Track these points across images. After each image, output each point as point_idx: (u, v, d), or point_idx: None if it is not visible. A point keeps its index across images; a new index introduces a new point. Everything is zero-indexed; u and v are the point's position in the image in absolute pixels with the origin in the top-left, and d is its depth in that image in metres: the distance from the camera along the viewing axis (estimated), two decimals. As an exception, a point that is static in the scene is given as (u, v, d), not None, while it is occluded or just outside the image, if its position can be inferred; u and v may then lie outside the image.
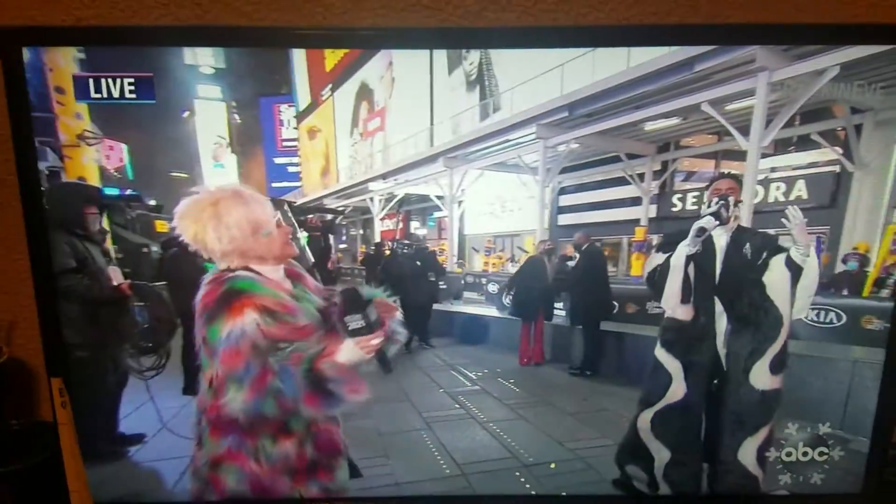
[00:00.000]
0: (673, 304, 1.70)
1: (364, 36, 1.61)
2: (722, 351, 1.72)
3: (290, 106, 2.89)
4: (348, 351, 1.05)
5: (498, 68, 2.51)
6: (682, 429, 1.78)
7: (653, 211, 2.54)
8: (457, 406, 2.15)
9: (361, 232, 3.14)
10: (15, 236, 1.62)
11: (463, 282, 2.89)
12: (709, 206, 1.69)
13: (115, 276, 1.72)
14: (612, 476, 1.81)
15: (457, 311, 2.82)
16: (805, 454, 1.72)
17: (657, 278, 1.72)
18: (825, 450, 1.70)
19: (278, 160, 2.97)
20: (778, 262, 1.65)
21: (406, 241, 2.76)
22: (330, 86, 2.81)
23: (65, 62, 1.73)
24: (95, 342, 1.63)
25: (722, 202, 1.67)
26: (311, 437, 1.14)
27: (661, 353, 1.75)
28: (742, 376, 1.70)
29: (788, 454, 1.72)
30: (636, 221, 2.54)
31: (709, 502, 1.82)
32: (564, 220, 2.74)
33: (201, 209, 1.05)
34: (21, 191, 1.39)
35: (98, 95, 1.54)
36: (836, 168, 2.36)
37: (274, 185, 2.97)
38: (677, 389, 1.73)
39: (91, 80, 1.52)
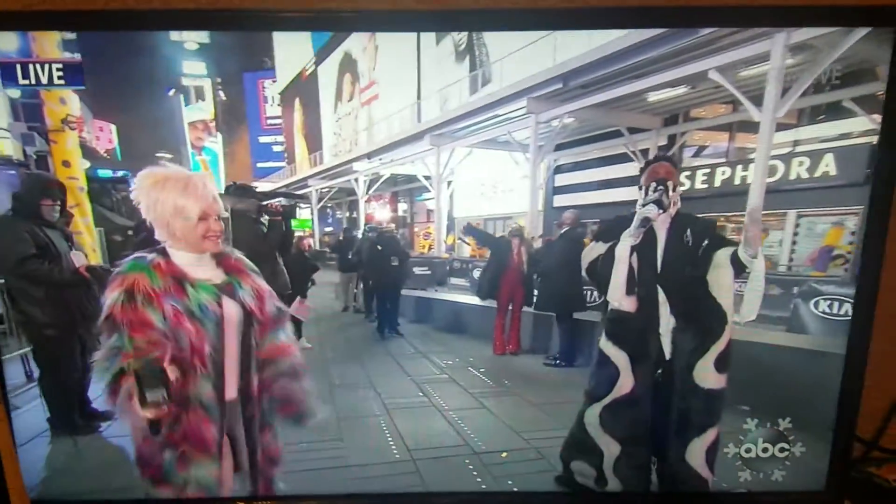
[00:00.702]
0: (619, 297, 1.61)
1: (341, 18, 1.54)
2: (665, 340, 1.61)
3: (273, 81, 2.82)
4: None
5: (489, 36, 2.37)
6: (631, 422, 1.70)
7: (657, 190, 2.37)
8: (420, 394, 2.17)
9: (348, 214, 3.06)
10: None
11: (448, 267, 2.80)
12: (646, 194, 1.56)
13: (77, 260, 1.73)
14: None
15: (436, 297, 2.76)
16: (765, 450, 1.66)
17: (599, 269, 1.64)
18: (786, 445, 1.63)
19: (263, 139, 2.92)
20: (723, 257, 1.55)
21: (371, 226, 2.70)
22: (313, 59, 2.72)
23: (50, 47, 1.74)
24: (62, 322, 1.71)
25: (661, 188, 1.60)
26: (177, 424, 1.13)
27: (607, 346, 1.66)
28: (686, 373, 1.61)
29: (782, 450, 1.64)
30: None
31: (673, 499, 1.76)
32: (560, 201, 2.57)
33: (150, 179, 1.10)
34: None
35: (26, 82, 1.54)
36: (874, 139, 2.13)
37: (259, 164, 2.94)
38: (625, 382, 1.64)
39: (18, 66, 1.53)
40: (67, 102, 1.90)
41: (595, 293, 2.14)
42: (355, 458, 1.82)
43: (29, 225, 1.63)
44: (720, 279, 1.56)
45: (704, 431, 1.65)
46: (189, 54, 2.81)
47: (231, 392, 1.21)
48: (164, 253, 1.14)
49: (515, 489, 1.78)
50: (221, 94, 2.91)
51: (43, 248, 1.65)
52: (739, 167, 2.23)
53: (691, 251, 1.59)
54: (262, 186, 2.83)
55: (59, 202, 1.71)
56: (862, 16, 1.31)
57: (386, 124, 2.59)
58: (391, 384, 2.25)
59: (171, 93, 2.83)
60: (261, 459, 1.28)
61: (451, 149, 2.49)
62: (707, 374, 1.60)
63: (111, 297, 1.06)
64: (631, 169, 2.40)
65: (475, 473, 1.79)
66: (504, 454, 1.85)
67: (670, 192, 1.56)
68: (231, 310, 1.18)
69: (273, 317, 1.26)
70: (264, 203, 1.97)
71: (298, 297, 2.42)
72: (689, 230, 1.57)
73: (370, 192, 2.83)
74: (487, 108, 2.29)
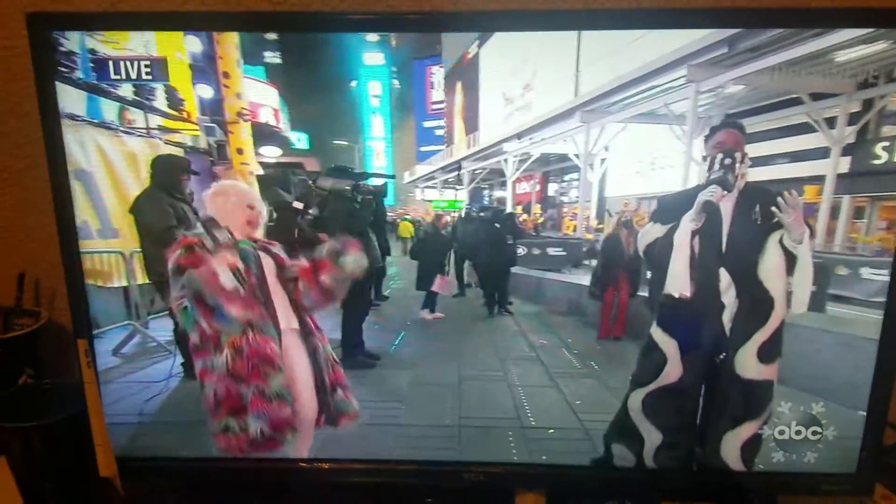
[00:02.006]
0: (680, 287, 1.59)
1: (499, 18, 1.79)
2: (728, 326, 1.61)
3: (440, 67, 3.04)
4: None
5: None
6: (675, 412, 1.71)
7: (845, 164, 2.07)
8: (499, 370, 2.24)
9: (498, 195, 3.18)
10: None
11: (585, 249, 2.76)
12: (710, 168, 1.54)
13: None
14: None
15: (558, 279, 2.80)
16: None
17: (657, 253, 1.62)
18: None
19: (427, 123, 3.19)
20: (773, 240, 1.53)
21: (486, 204, 2.79)
22: (476, 41, 2.88)
23: (231, 50, 2.18)
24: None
25: (728, 162, 1.52)
26: (241, 351, 1.61)
27: (656, 333, 1.68)
28: (729, 361, 1.63)
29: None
30: (821, 179, 2.10)
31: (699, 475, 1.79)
32: (727, 178, 2.37)
33: (211, 193, 1.78)
34: (50, 171, 1.59)
35: (117, 76, 1.74)
36: None
37: (422, 149, 3.20)
38: (672, 371, 1.66)
39: (111, 63, 1.71)
40: (242, 98, 2.28)
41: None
42: (405, 420, 2.04)
43: (170, 199, 1.99)
44: (768, 261, 1.54)
45: (739, 425, 1.66)
46: (370, 46, 3.16)
47: (285, 323, 1.70)
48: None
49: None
50: (395, 82, 3.24)
51: (180, 219, 2.00)
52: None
53: (761, 229, 1.56)
54: (420, 170, 3.09)
55: (190, 177, 2.09)
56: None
57: (544, 101, 2.65)
58: (475, 358, 2.37)
59: (352, 84, 3.22)
60: (328, 385, 1.77)
61: (602, 125, 2.48)
62: (748, 363, 1.59)
63: (175, 253, 1.57)
64: (814, 140, 2.15)
65: (512, 445, 1.91)
66: (550, 431, 1.94)
67: (737, 167, 1.51)
68: (267, 260, 1.72)
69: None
70: (358, 183, 2.24)
71: (439, 275, 2.67)
72: (758, 205, 1.53)
73: (519, 172, 2.94)
74: (643, 80, 2.24)
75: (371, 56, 3.21)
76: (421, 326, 2.75)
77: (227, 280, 1.51)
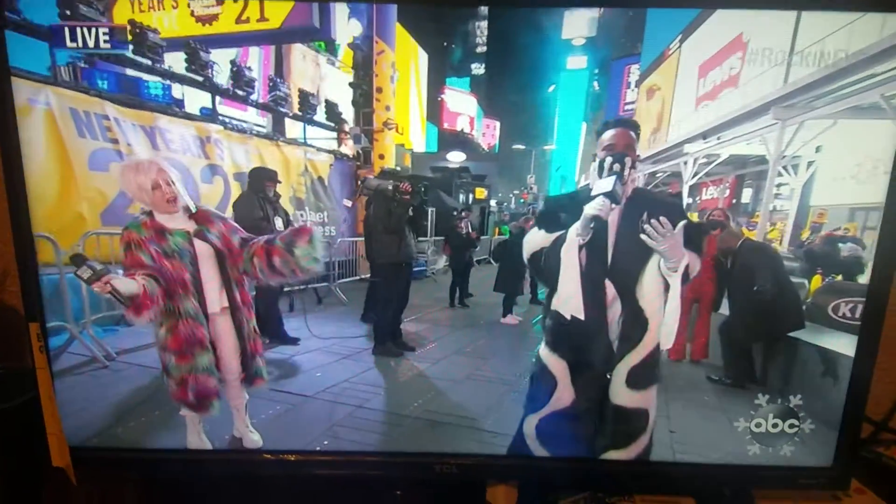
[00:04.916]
0: (573, 309, 1.50)
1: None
2: (614, 343, 1.54)
3: (638, 66, 3.02)
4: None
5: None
6: (572, 439, 1.67)
7: None
8: (514, 375, 2.26)
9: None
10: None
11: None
12: (600, 169, 1.46)
13: (278, 224, 2.59)
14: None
15: None
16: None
17: (543, 265, 1.55)
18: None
19: (616, 124, 3.16)
20: (655, 260, 1.46)
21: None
22: (679, 37, 2.76)
23: (386, 69, 2.61)
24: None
25: (617, 168, 1.44)
26: (176, 330, 1.86)
27: (545, 353, 1.62)
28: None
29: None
30: None
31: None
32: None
33: (118, 171, 1.90)
34: (1, 153, 1.55)
35: (74, 45, 1.73)
36: None
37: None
38: (563, 395, 1.60)
39: (67, 30, 1.69)
40: (391, 110, 2.76)
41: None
42: (373, 405, 2.25)
43: (258, 198, 2.54)
44: (647, 280, 1.48)
45: (605, 452, 1.67)
46: (574, 49, 3.29)
47: (214, 307, 1.93)
48: (150, 214, 1.80)
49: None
50: (595, 84, 3.29)
51: (265, 214, 2.56)
52: None
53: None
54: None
55: (275, 184, 2.59)
56: None
57: (739, 94, 2.45)
58: (510, 363, 2.55)
59: (551, 89, 3.35)
60: (249, 353, 2.03)
61: (799, 122, 2.17)
62: (617, 388, 1.55)
63: (121, 248, 1.76)
64: None
65: (442, 440, 2.06)
66: (495, 435, 2.01)
67: (627, 173, 1.46)
68: (202, 248, 1.85)
69: (240, 246, 1.92)
70: (398, 184, 2.53)
71: (510, 314, 3.00)
72: (646, 214, 1.45)
73: (703, 175, 2.70)
74: (849, 71, 1.93)
75: (574, 60, 3.31)
76: (496, 328, 2.93)
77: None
